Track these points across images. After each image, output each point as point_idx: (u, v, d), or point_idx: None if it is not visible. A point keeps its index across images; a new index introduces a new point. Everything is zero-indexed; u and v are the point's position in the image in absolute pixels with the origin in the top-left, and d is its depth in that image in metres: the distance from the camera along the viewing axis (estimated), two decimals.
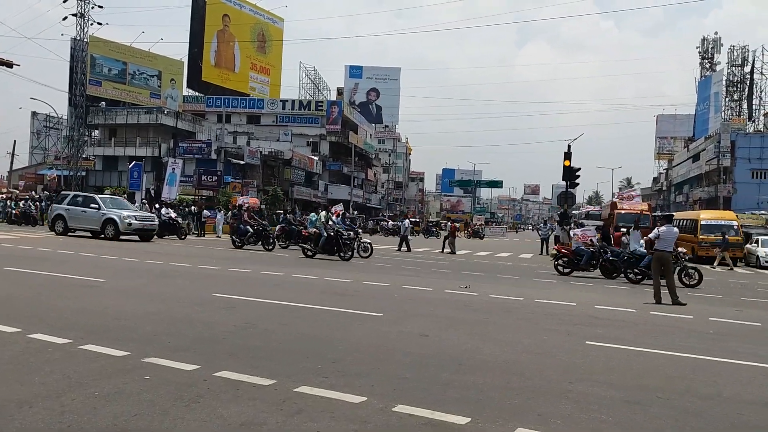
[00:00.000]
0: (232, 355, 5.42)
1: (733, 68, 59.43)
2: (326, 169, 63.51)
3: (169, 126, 49.75)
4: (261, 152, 51.75)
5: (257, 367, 5.02)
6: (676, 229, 11.74)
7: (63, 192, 27.71)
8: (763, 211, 36.82)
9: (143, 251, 17.13)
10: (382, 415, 4.00)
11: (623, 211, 32.26)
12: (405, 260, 19.84)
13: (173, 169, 34.29)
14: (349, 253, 18.00)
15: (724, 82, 59.93)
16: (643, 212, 31.77)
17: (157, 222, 23.42)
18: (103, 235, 21.31)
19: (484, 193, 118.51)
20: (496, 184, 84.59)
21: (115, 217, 21.32)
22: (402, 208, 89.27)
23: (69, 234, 22.18)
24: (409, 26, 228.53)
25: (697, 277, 14.37)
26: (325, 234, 17.97)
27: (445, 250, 25.74)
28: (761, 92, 57.92)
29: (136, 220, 21.86)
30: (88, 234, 22.37)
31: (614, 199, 41.20)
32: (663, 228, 11.57)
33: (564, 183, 25.81)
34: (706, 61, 68.49)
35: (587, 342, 6.93)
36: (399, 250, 25.37)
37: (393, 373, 5.08)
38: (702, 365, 6.14)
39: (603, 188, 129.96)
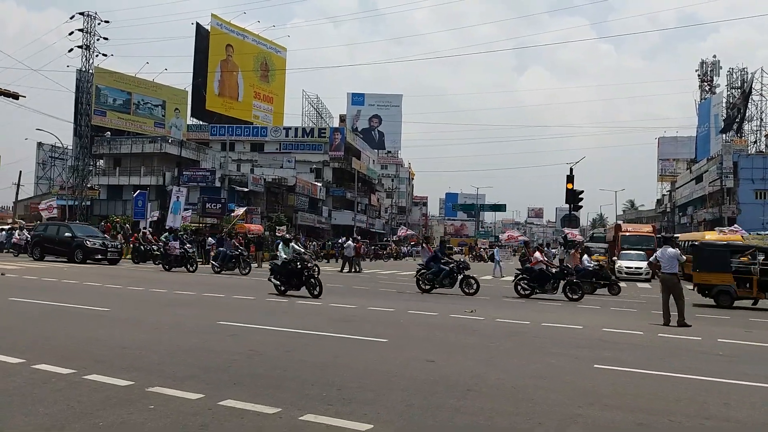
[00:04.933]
0: (237, 384, 5.38)
1: (733, 90, 59.77)
2: (330, 195, 63.67)
3: (174, 155, 50.06)
4: (265, 179, 51.96)
5: (262, 395, 4.98)
6: (671, 250, 11.46)
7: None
8: None
9: (147, 280, 17.12)
10: None
11: (628, 233, 32.15)
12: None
13: (177, 197, 34.35)
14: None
15: (724, 104, 60.23)
16: (648, 234, 31.70)
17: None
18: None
19: (488, 216, 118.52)
20: (499, 207, 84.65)
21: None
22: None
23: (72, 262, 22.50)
24: (409, 53, 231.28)
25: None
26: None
27: (352, 269, 26.75)
28: (762, 113, 58.12)
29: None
30: (90, 263, 23.42)
31: (618, 222, 41.13)
32: (658, 251, 11.54)
33: (568, 206, 25.78)
34: (706, 83, 68.97)
35: (595, 365, 6.85)
36: (341, 271, 26.46)
37: (399, 400, 5.03)
38: (712, 387, 6.05)
39: (607, 211, 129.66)
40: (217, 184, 45.81)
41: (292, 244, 14.59)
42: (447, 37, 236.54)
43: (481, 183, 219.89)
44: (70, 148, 53.06)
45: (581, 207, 26.48)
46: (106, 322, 8.97)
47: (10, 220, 47.48)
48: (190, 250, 22.61)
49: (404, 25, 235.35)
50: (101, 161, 52.37)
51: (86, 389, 5.00)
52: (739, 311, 14.47)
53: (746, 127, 59.29)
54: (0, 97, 25.32)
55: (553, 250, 29.54)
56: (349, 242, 27.94)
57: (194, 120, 62.58)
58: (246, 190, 48.16)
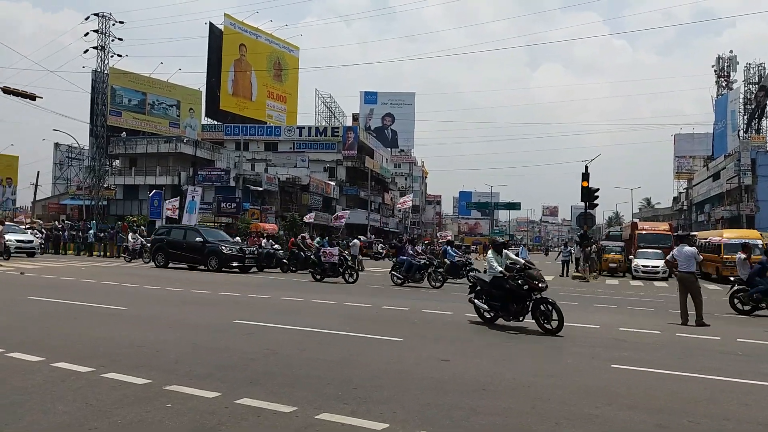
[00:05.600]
0: (253, 382, 5.40)
1: (750, 86, 58.96)
2: (343, 194, 63.77)
3: (189, 154, 50.40)
4: (279, 179, 52.18)
5: (278, 393, 4.99)
6: (688, 248, 11.33)
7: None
8: None
9: (163, 279, 17.25)
10: None
11: (644, 232, 31.89)
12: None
13: (193, 197, 34.66)
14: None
15: (741, 100, 59.45)
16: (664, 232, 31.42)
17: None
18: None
19: (502, 215, 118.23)
20: (513, 206, 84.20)
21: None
22: (419, 231, 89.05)
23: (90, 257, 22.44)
24: (422, 50, 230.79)
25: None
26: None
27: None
28: None
29: None
30: (110, 262, 22.75)
31: (635, 220, 40.76)
32: (675, 249, 11.44)
33: (583, 204, 25.61)
34: (722, 79, 68.08)
35: (612, 365, 6.80)
36: None
37: (415, 399, 5.02)
38: (732, 387, 5.98)
39: (623, 208, 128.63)
40: (232, 183, 46.09)
41: (506, 251, 10.24)
42: (460, 34, 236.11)
43: (495, 181, 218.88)
44: (87, 148, 53.70)
45: (597, 205, 26.30)
46: (123, 320, 9.05)
47: (28, 220, 48.12)
48: (349, 258, 20.23)
49: (417, 22, 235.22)
50: (117, 161, 52.89)
51: (105, 387, 5.05)
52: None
53: (765, 123, 58.50)
54: (17, 98, 25.53)
55: (569, 248, 29.30)
56: (355, 241, 28.43)
57: (209, 120, 62.98)
58: (260, 189, 48.40)
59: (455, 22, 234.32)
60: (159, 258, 22.40)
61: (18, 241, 25.84)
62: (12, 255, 24.69)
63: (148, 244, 25.59)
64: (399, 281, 17.98)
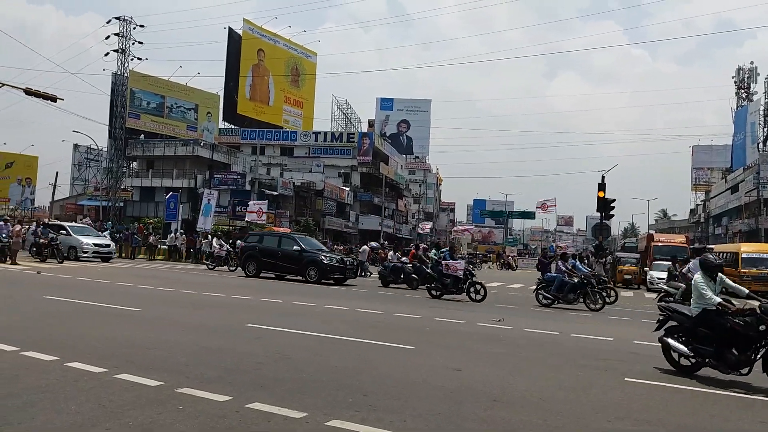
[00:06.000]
0: (264, 387, 5.41)
1: None
2: (357, 200, 63.87)
3: (205, 158, 50.86)
4: (294, 183, 52.42)
5: (289, 399, 4.99)
6: None
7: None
8: None
9: (178, 281, 17.37)
10: None
11: (660, 244, 31.58)
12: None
13: (209, 200, 34.87)
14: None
15: (761, 112, 58.79)
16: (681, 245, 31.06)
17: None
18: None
19: (516, 224, 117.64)
20: (528, 215, 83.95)
21: None
22: (433, 238, 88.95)
23: (110, 262, 22.56)
24: (438, 58, 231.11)
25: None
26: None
27: (365, 273, 26.53)
28: None
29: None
30: (124, 263, 22.83)
31: (651, 231, 40.40)
32: (690, 263, 11.32)
33: (598, 214, 25.43)
34: (743, 90, 67.42)
35: (626, 378, 6.72)
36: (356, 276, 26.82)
37: (426, 408, 4.99)
38: (747, 404, 5.89)
39: (638, 220, 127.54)
40: (247, 187, 46.37)
41: (722, 276, 7.38)
42: (476, 42, 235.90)
43: (509, 189, 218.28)
44: (105, 150, 54.31)
45: (612, 216, 26.11)
46: (136, 322, 9.12)
47: (45, 220, 48.70)
48: (474, 272, 18.33)
49: (434, 29, 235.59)
50: (135, 163, 53.48)
51: (117, 388, 5.08)
52: None
53: None
54: (39, 99, 25.90)
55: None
56: (365, 247, 28.57)
57: (226, 124, 63.47)
58: (275, 193, 48.63)
59: (472, 30, 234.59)
60: (250, 267, 21.08)
61: (96, 244, 25.18)
62: (84, 259, 24.02)
63: (228, 251, 25.19)
64: (547, 302, 15.76)
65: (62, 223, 27.82)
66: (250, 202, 36.91)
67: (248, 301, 13.10)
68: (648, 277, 27.31)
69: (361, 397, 5.24)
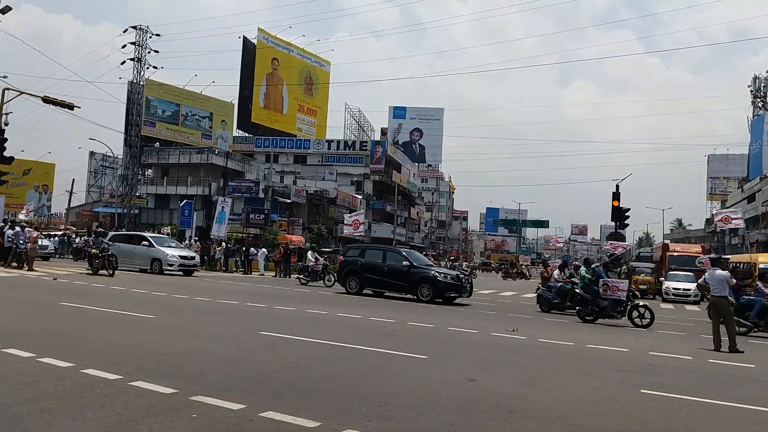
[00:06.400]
0: (277, 395, 5.40)
1: None
2: (370, 208, 63.94)
3: (219, 166, 51.19)
4: (307, 191, 52.61)
5: (302, 408, 4.98)
6: (720, 272, 10.99)
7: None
8: None
9: (193, 288, 17.44)
10: None
11: (675, 254, 31.31)
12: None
13: (222, 207, 35.06)
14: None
15: None
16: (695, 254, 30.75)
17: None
18: None
19: (530, 233, 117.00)
20: (541, 223, 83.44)
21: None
22: (445, 246, 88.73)
23: (120, 269, 21.70)
24: (450, 66, 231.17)
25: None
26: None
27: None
28: None
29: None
30: (137, 270, 22.71)
31: (666, 241, 40.02)
32: (706, 273, 11.18)
33: (613, 223, 25.25)
34: (759, 99, 66.76)
35: (642, 390, 6.63)
36: None
37: (439, 419, 4.96)
38: (767, 418, 5.79)
39: (653, 229, 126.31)
40: (261, 195, 46.59)
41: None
42: (489, 50, 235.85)
43: (523, 198, 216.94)
44: (121, 157, 54.86)
45: (627, 225, 25.92)
46: (151, 329, 9.16)
47: (62, 226, 49.26)
48: (637, 294, 15.87)
49: (447, 38, 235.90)
50: (150, 171, 53.95)
51: (132, 396, 5.09)
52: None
53: None
54: (56, 107, 26.22)
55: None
56: None
57: (240, 132, 63.90)
58: (288, 201, 48.82)
59: (485, 38, 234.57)
60: (351, 283, 19.39)
61: (182, 257, 23.82)
62: (169, 272, 22.76)
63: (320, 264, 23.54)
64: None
65: (143, 234, 26.55)
66: (346, 215, 35.61)
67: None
68: (663, 287, 27.05)
69: (375, 406, 5.21)
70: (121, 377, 5.66)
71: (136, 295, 14.52)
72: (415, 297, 18.05)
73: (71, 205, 56.95)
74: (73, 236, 39.15)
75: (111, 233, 26.75)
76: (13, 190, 50.25)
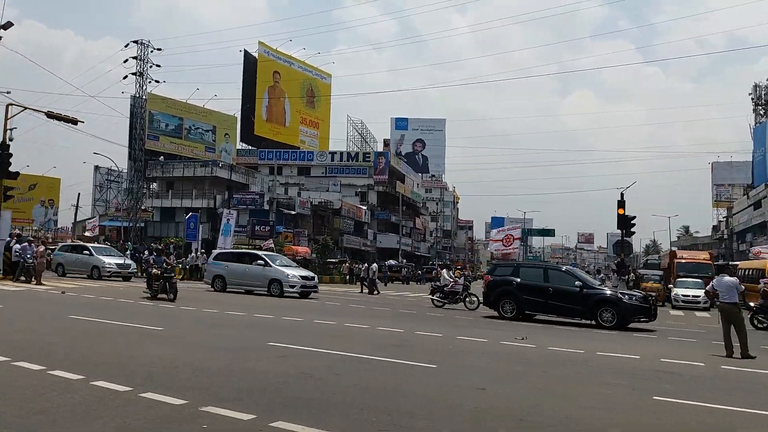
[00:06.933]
0: (287, 406, 5.36)
1: None
2: (375, 218, 63.98)
3: (224, 178, 51.35)
4: (311, 203, 52.70)
5: (312, 418, 4.94)
6: (729, 278, 10.88)
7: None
8: None
9: (199, 300, 17.42)
10: None
11: (683, 260, 31.20)
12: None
13: (228, 219, 35.11)
14: None
15: None
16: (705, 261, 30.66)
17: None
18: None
19: (536, 241, 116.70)
20: (547, 232, 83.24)
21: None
22: (451, 256, 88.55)
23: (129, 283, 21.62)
24: (450, 77, 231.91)
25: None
26: None
27: (373, 291, 27.47)
28: None
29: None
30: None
31: (673, 248, 39.88)
32: (715, 279, 11.10)
33: (619, 231, 25.17)
34: (760, 107, 66.73)
35: (655, 397, 6.56)
36: (362, 292, 27.67)
37: (450, 429, 4.92)
38: None
39: (660, 236, 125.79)
40: (266, 207, 46.68)
41: None
42: (489, 61, 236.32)
43: (528, 207, 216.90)
44: (125, 171, 55.10)
45: (633, 233, 25.80)
46: (160, 341, 9.14)
47: (69, 240, 49.35)
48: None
49: (446, 49, 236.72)
50: (154, 184, 54.13)
51: (142, 407, 5.07)
52: None
53: None
54: (60, 122, 26.32)
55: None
56: (374, 265, 28.95)
57: (243, 145, 64.12)
58: (293, 213, 48.89)
59: (484, 50, 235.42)
60: (506, 306, 16.54)
61: (302, 277, 21.52)
62: (289, 294, 20.59)
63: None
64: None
65: (257, 252, 24.71)
66: (493, 231, 31.78)
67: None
68: (673, 294, 26.92)
69: (385, 416, 5.17)
70: (130, 389, 5.63)
71: (141, 307, 14.48)
72: (594, 322, 15.25)
73: (77, 219, 57.05)
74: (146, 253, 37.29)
75: (215, 251, 25.12)
76: (19, 204, 50.40)
